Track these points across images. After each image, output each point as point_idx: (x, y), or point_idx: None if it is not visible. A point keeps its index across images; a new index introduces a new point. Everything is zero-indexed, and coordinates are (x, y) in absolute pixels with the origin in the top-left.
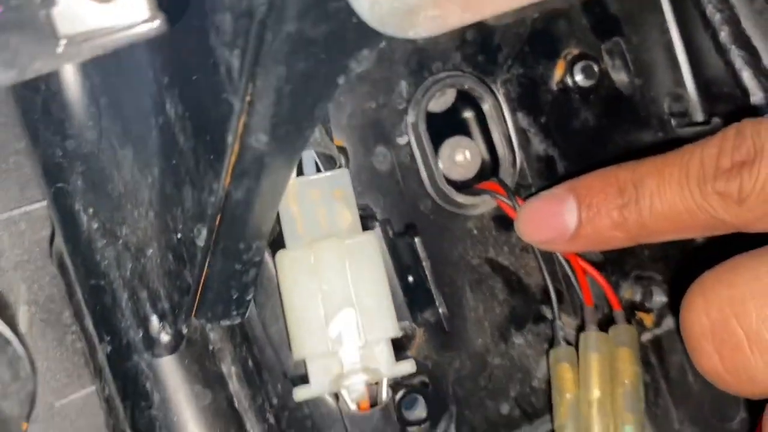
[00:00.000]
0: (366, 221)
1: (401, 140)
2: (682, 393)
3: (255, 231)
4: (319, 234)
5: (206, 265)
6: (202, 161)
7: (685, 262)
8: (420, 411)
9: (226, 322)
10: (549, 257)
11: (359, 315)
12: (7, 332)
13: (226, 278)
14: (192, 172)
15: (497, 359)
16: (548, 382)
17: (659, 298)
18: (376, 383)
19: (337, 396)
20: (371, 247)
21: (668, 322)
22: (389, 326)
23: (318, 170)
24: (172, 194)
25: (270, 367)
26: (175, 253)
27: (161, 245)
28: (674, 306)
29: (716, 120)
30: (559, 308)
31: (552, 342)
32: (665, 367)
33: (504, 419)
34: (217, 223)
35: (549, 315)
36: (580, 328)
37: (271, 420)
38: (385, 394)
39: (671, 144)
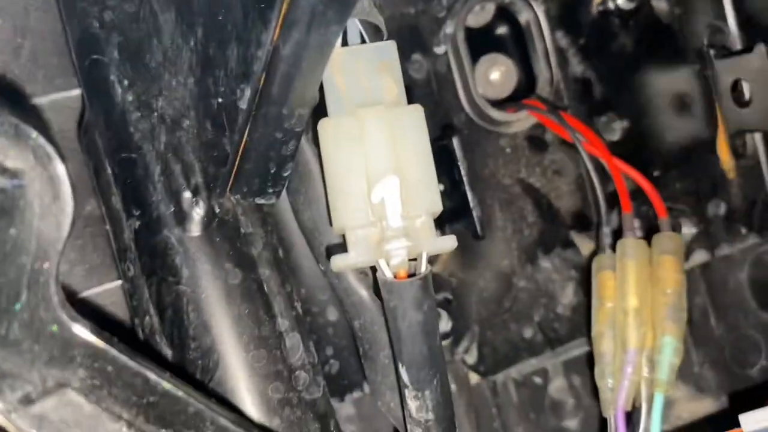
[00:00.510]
0: None
1: (438, 50)
2: (703, 336)
3: (299, 95)
4: (363, 102)
5: (246, 131)
6: (251, 13)
7: (716, 196)
8: (443, 325)
9: (261, 200)
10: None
11: (402, 185)
12: (50, 149)
13: (266, 148)
14: (239, 26)
15: (523, 282)
16: (573, 309)
17: (688, 230)
18: (415, 259)
19: (374, 270)
20: (417, 118)
21: (696, 257)
22: (433, 200)
23: (363, 41)
24: (216, 55)
25: (300, 258)
26: (215, 121)
27: (199, 114)
28: (703, 239)
29: (762, 48)
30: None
31: (597, 250)
32: (688, 308)
33: (526, 343)
34: (261, 83)
35: (578, 241)
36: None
37: (299, 309)
38: (424, 266)
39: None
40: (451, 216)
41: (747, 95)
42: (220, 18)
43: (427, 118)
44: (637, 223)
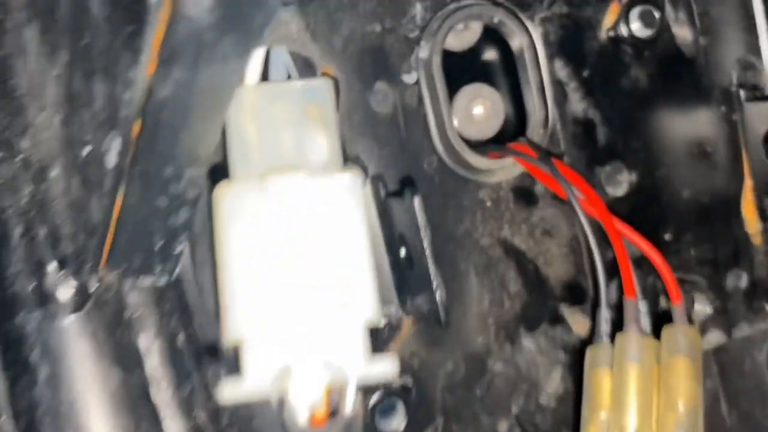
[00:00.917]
0: None
1: (408, 78)
2: (714, 426)
3: (189, 152)
4: (280, 163)
5: (119, 194)
6: (117, 38)
7: (737, 265)
8: (398, 421)
9: (146, 280)
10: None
11: (325, 287)
12: None
13: (146, 217)
14: (105, 55)
15: (499, 365)
16: (560, 399)
17: (703, 307)
18: (341, 387)
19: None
20: (352, 194)
21: (710, 339)
22: (367, 308)
23: (290, 77)
24: (81, 90)
25: (207, 346)
26: (83, 174)
27: (67, 163)
28: (720, 318)
29: None
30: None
31: (591, 337)
32: None
33: None
34: (134, 132)
35: (568, 315)
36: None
37: (201, 417)
38: (351, 401)
39: (734, 127)
40: (415, 287)
41: None
42: (86, 41)
43: (389, 163)
44: (643, 306)
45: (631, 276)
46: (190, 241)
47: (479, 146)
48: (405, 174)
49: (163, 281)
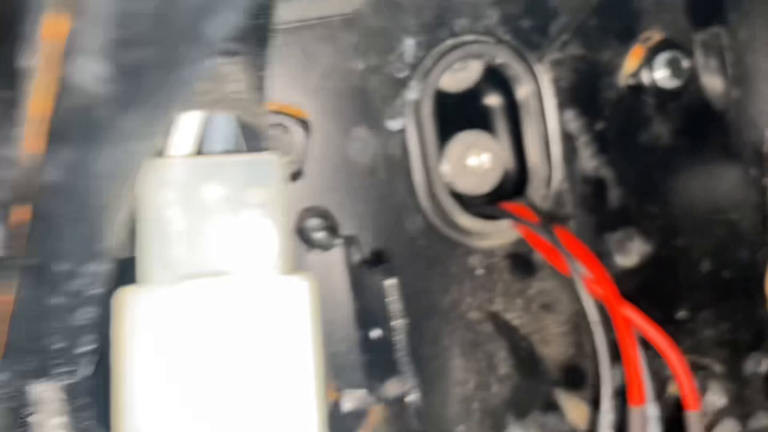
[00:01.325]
0: (322, 235)
1: (394, 124)
2: None
3: (86, 245)
4: (205, 266)
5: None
6: None
7: (758, 348)
8: None
9: (46, 385)
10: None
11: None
12: None
13: (40, 316)
14: None
15: None
16: None
17: (716, 398)
18: None
19: None
20: (299, 303)
21: (723, 429)
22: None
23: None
24: None
25: None
26: None
27: None
28: (735, 406)
29: None
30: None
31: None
32: None
33: None
34: (15, 219)
35: (564, 401)
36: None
37: None
38: None
39: (763, 193)
40: (386, 370)
41: None
42: None
43: (366, 221)
44: (653, 410)
45: (639, 382)
46: (102, 340)
47: (473, 203)
48: (383, 235)
49: (65, 382)
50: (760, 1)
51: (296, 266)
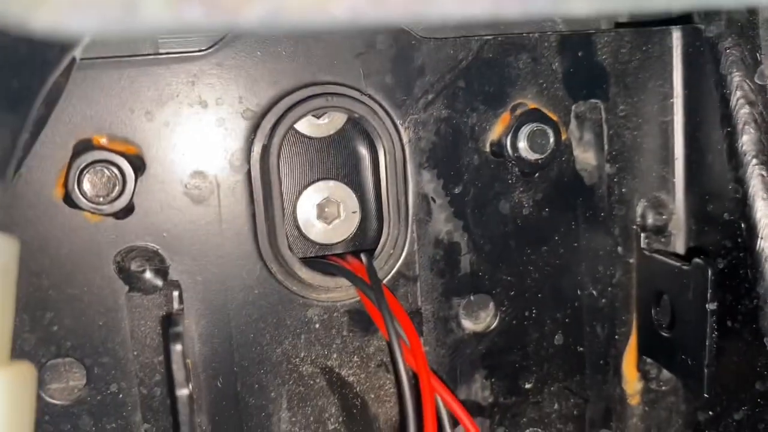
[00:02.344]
0: (148, 277)
1: (239, 165)
2: None
3: None
4: None
5: None
6: None
7: (606, 425)
8: None
9: None
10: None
11: None
12: None
13: None
14: None
15: None
16: None
17: None
18: None
19: None
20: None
21: None
22: None
23: None
24: None
25: None
26: None
27: None
28: None
29: (697, 262)
30: None
31: None
32: None
33: None
34: None
35: None
36: None
37: None
38: None
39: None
40: None
41: (668, 317)
42: None
43: (200, 266)
44: None
45: None
46: None
47: (322, 253)
48: (217, 281)
49: None
50: (642, 77)
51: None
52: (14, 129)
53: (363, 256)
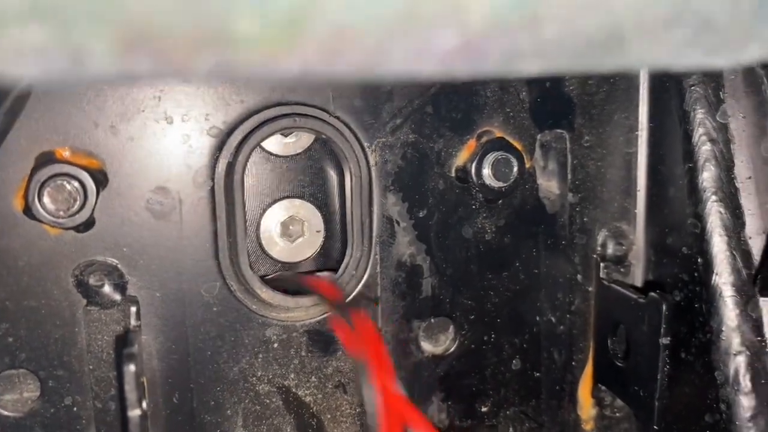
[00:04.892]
0: (106, 291)
1: (202, 182)
2: None
3: None
4: None
5: None
6: None
7: None
8: None
9: None
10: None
11: None
12: None
13: None
14: None
15: None
16: None
17: None
18: None
19: None
20: None
21: None
22: None
23: None
24: None
25: None
26: None
27: None
28: None
29: (653, 296)
30: None
31: None
32: None
33: None
34: None
35: None
36: None
37: None
38: None
39: (587, 299)
40: None
41: (624, 347)
42: None
43: (159, 281)
44: None
45: None
46: None
47: (288, 270)
48: (175, 297)
49: None
50: (608, 109)
51: None
52: None
53: (329, 276)
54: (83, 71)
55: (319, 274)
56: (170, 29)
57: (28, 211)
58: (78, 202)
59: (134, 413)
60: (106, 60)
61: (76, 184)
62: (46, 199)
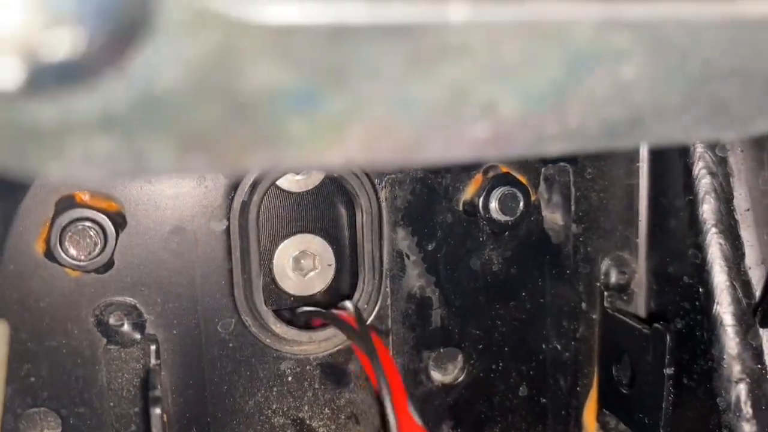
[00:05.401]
0: (125, 330)
1: (217, 225)
2: None
3: None
4: None
5: None
6: None
7: None
8: None
9: None
10: None
11: None
12: None
13: None
14: None
15: None
16: None
17: None
18: None
19: None
20: None
21: None
22: None
23: None
24: None
25: None
26: None
27: None
28: None
29: (657, 327)
30: None
31: None
32: None
33: None
34: None
35: None
36: None
37: None
38: None
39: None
40: None
41: (628, 374)
42: None
43: (174, 319)
44: None
45: None
46: None
47: (301, 303)
48: (191, 335)
49: None
50: None
51: None
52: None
53: (349, 307)
54: (144, 170)
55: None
56: (222, 135)
57: (49, 254)
58: (98, 246)
59: None
60: (166, 160)
61: (97, 228)
62: (67, 243)
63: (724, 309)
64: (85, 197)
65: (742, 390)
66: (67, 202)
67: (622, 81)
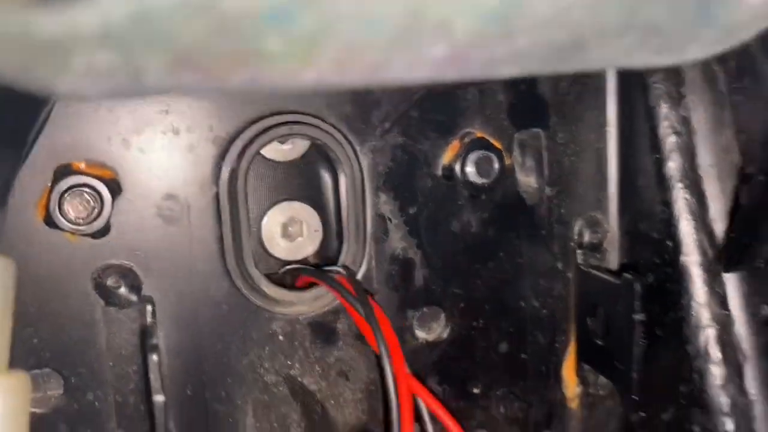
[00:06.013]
0: (122, 293)
1: (208, 188)
2: None
3: None
4: None
5: None
6: None
7: (548, 427)
8: None
9: None
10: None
11: None
12: None
13: None
14: None
15: None
16: None
17: None
18: None
19: None
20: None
21: None
22: None
23: None
24: None
25: None
26: None
27: None
28: None
29: (626, 277)
30: None
31: None
32: None
33: None
34: None
35: None
36: None
37: None
38: None
39: (567, 284)
40: None
41: (603, 327)
42: None
43: (170, 283)
44: None
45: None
46: None
47: (291, 266)
48: (187, 297)
49: None
50: (584, 107)
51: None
52: (14, 162)
53: (341, 269)
54: (142, 87)
55: (327, 268)
56: (209, 51)
57: (48, 219)
58: (95, 211)
59: (158, 399)
60: (160, 77)
61: (94, 193)
62: (66, 208)
63: (692, 260)
64: (81, 165)
65: (710, 335)
66: (65, 170)
67: (561, 2)
